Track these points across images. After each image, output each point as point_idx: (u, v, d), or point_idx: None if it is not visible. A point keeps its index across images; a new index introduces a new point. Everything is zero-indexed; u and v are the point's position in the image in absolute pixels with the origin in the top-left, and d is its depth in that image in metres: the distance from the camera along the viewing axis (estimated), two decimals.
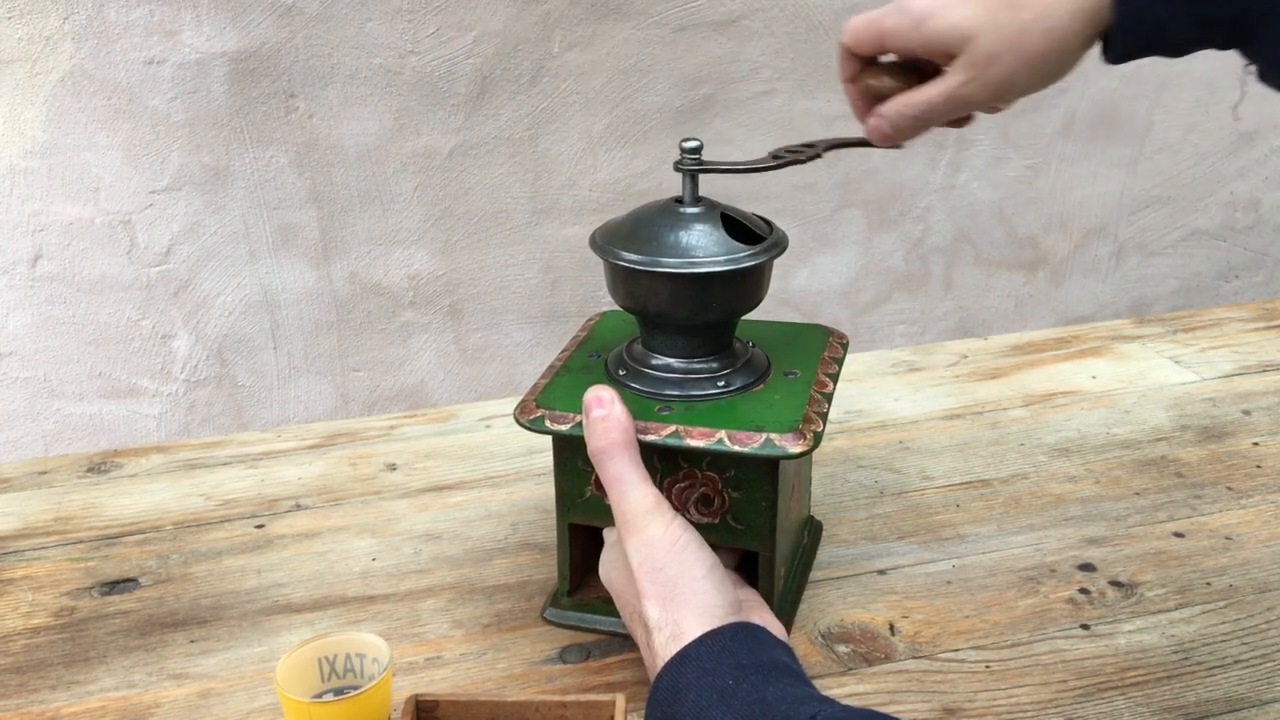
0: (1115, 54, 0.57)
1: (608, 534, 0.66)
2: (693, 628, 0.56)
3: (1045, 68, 0.58)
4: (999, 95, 0.59)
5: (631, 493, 0.60)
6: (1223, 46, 0.56)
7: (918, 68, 0.60)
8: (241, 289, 1.46)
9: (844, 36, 0.61)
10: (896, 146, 0.64)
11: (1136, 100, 1.71)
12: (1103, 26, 0.57)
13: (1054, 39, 0.56)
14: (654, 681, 0.55)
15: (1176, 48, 0.57)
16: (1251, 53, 0.55)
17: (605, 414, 0.61)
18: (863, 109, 0.63)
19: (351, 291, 1.50)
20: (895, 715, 0.48)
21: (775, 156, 0.66)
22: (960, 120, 0.63)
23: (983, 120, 1.65)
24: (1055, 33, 0.56)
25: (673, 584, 0.58)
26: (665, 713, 0.53)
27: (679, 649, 0.55)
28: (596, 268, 1.56)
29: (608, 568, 0.64)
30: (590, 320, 0.78)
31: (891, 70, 0.61)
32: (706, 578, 0.58)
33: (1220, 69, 1.73)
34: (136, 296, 1.43)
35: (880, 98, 0.61)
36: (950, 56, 0.57)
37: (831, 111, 1.56)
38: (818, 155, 0.66)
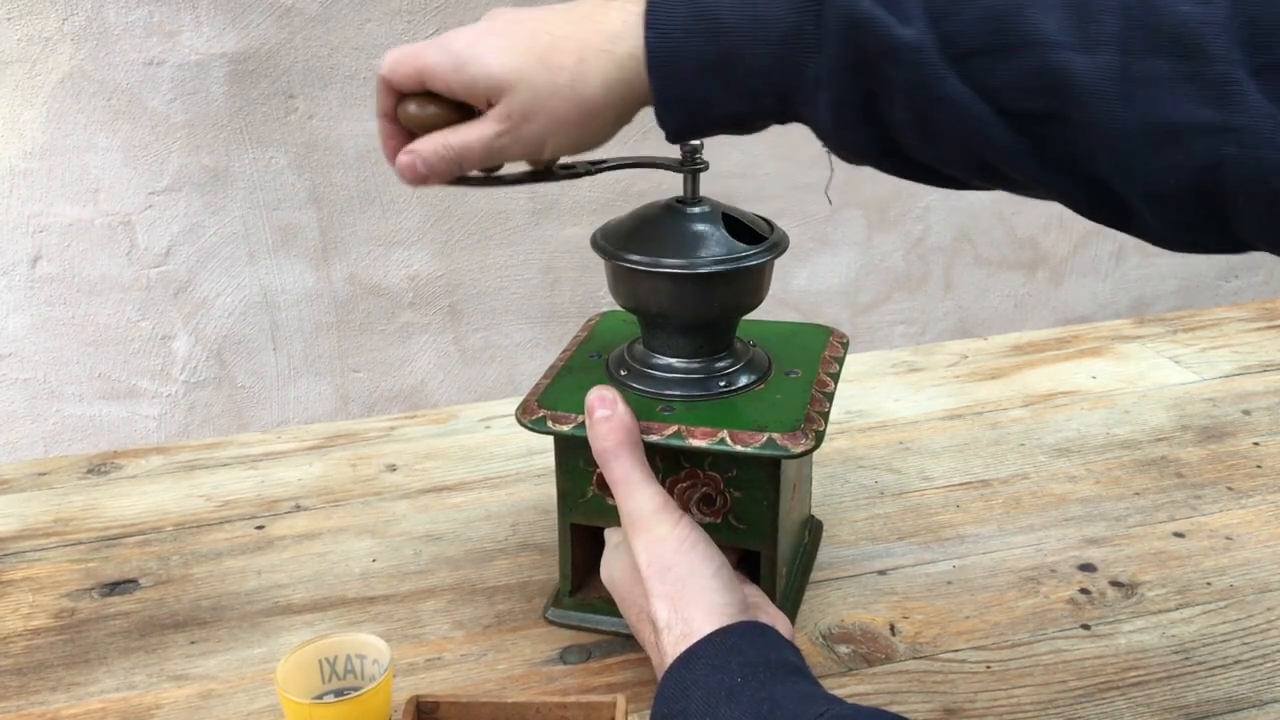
0: (669, 132, 0.55)
1: (610, 534, 0.66)
2: (702, 625, 0.56)
3: (579, 134, 0.56)
4: (533, 152, 0.57)
5: (638, 493, 0.60)
6: (780, 120, 0.54)
7: (463, 104, 0.57)
8: (241, 290, 1.46)
9: (382, 67, 0.57)
10: (425, 184, 0.60)
11: None
12: (644, 101, 0.55)
13: (585, 109, 0.55)
14: (662, 678, 0.55)
15: (733, 124, 0.55)
16: (811, 126, 0.54)
17: (609, 414, 0.61)
18: (394, 144, 0.59)
19: (351, 292, 1.50)
20: (902, 715, 0.48)
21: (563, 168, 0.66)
22: (492, 170, 0.60)
23: None
24: (586, 102, 0.54)
25: (681, 583, 0.58)
26: (672, 709, 0.53)
27: (688, 646, 0.55)
28: (597, 268, 1.56)
29: (611, 568, 0.64)
30: (590, 320, 0.78)
31: (437, 99, 0.57)
32: (715, 576, 0.58)
33: None
34: (136, 297, 1.43)
35: (422, 128, 0.57)
36: (490, 103, 0.55)
37: None
38: (590, 172, 0.66)
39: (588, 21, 0.55)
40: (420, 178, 0.58)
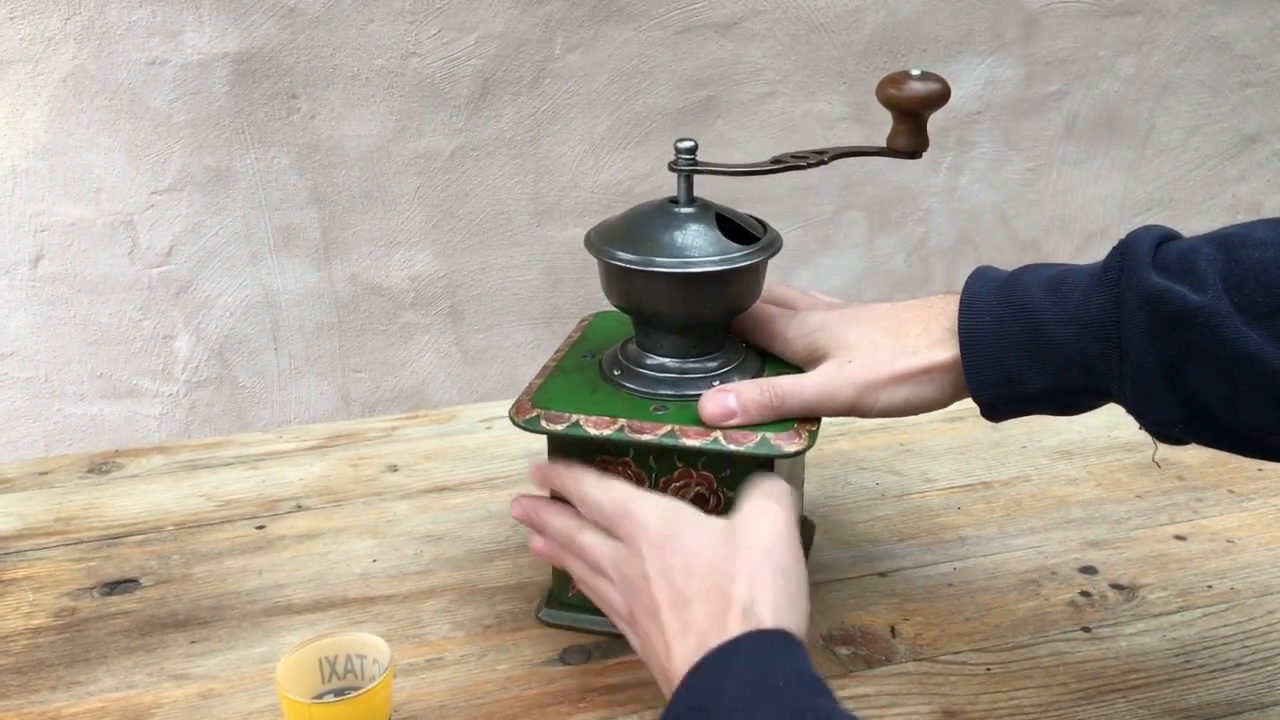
0: (983, 405, 0.62)
1: (754, 494, 0.61)
2: (764, 618, 0.52)
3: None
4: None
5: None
6: (1092, 396, 0.60)
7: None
8: (243, 290, 1.46)
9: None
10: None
11: (1138, 103, 1.71)
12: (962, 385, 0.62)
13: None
14: (699, 661, 0.51)
15: (1048, 401, 0.60)
16: (1120, 402, 0.58)
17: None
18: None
19: (353, 292, 1.50)
20: None
21: (777, 161, 0.66)
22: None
23: (984, 123, 1.66)
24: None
25: (782, 573, 0.54)
26: (699, 700, 0.50)
27: (747, 631, 0.51)
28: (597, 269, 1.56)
29: (707, 526, 0.58)
30: (584, 320, 0.78)
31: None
32: (805, 582, 0.56)
33: (1221, 71, 1.73)
34: (138, 297, 1.43)
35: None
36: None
37: (833, 114, 1.56)
38: (823, 161, 0.66)
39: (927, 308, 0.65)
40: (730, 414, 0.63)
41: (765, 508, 0.56)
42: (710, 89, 1.51)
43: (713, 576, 0.54)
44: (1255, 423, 0.55)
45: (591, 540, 0.60)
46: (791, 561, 0.54)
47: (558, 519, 0.63)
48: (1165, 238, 0.58)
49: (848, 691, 0.65)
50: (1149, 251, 0.56)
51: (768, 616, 0.51)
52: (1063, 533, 0.80)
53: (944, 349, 0.61)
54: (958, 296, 0.62)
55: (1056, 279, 0.59)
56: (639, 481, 0.66)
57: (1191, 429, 0.57)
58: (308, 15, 1.35)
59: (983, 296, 0.61)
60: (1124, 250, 0.57)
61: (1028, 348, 0.59)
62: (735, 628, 0.51)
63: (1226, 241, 0.55)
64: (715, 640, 0.51)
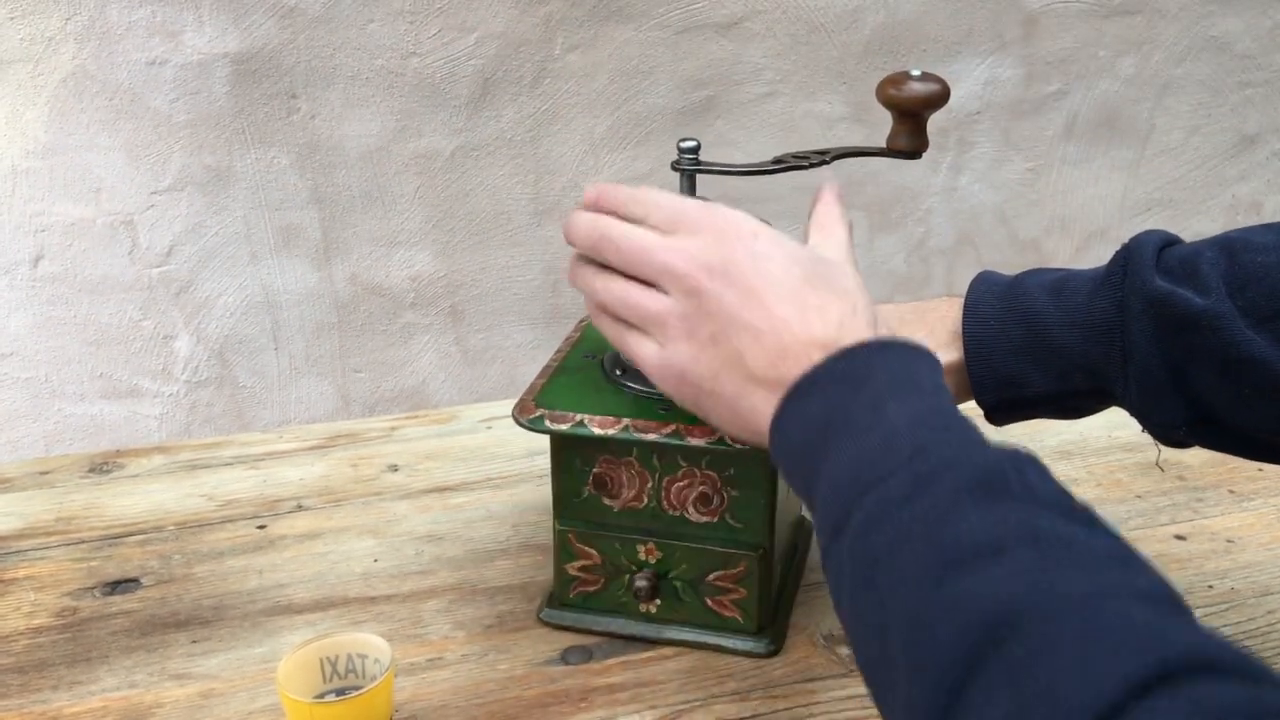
0: (986, 410, 0.62)
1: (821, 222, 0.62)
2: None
3: None
4: None
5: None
6: (1095, 399, 0.60)
7: None
8: (243, 290, 1.46)
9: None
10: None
11: (1138, 103, 1.71)
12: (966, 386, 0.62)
13: None
14: (851, 346, 0.50)
15: (1050, 404, 0.61)
16: (1124, 405, 0.59)
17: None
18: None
19: (353, 292, 1.50)
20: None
21: (779, 161, 0.66)
22: None
23: (984, 123, 1.66)
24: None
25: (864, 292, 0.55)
26: (852, 373, 0.49)
27: (881, 338, 0.51)
28: None
29: (791, 248, 0.56)
30: (582, 320, 0.78)
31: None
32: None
33: (1221, 71, 1.73)
34: (138, 297, 1.43)
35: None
36: None
37: (833, 114, 1.56)
38: (825, 162, 0.66)
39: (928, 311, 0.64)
40: None
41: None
42: (710, 89, 1.51)
43: (835, 276, 0.54)
44: (1259, 424, 0.55)
45: (659, 249, 0.55)
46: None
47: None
48: (1167, 242, 0.58)
49: (848, 691, 0.65)
50: (1152, 256, 0.56)
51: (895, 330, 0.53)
52: None
53: (947, 352, 0.62)
54: (960, 300, 0.62)
55: (1059, 283, 0.59)
56: (642, 481, 0.66)
57: (1195, 431, 0.57)
58: (308, 15, 1.35)
59: (986, 301, 0.61)
60: (1127, 255, 0.57)
61: (1031, 351, 0.59)
62: (870, 332, 0.52)
63: (1229, 246, 0.56)
64: (854, 334, 0.51)
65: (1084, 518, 0.41)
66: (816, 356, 0.50)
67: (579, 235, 0.58)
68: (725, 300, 0.53)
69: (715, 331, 0.53)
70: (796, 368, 0.50)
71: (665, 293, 0.55)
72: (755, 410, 0.52)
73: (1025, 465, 0.43)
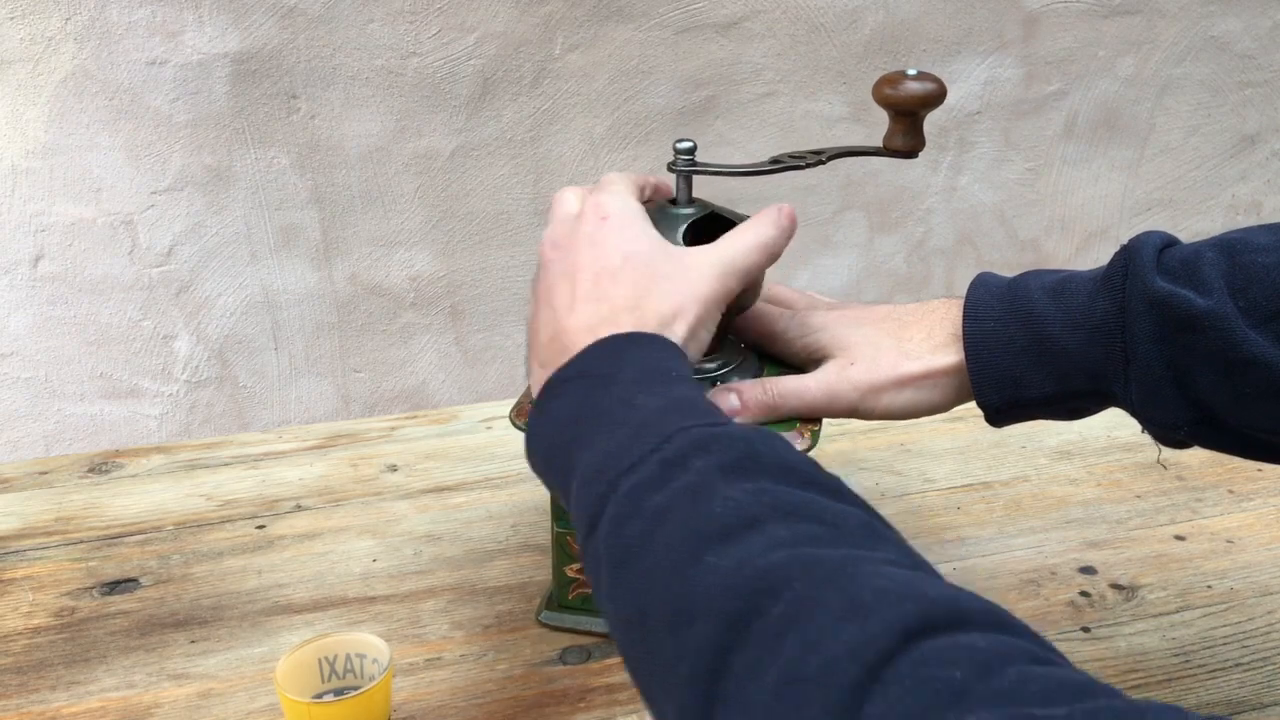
0: (987, 410, 0.62)
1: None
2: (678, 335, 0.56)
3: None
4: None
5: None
6: (1094, 400, 0.60)
7: None
8: (243, 290, 1.46)
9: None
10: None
11: (1138, 103, 1.71)
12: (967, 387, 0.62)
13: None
14: (607, 337, 0.53)
15: (1050, 406, 0.61)
16: (1125, 406, 0.59)
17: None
18: None
19: (352, 292, 1.50)
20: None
21: (776, 161, 0.66)
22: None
23: (984, 123, 1.66)
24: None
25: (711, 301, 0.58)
26: (596, 369, 0.52)
27: (648, 331, 0.54)
28: None
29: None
30: None
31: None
32: None
33: (1221, 71, 1.73)
34: (138, 297, 1.43)
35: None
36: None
37: (833, 114, 1.56)
38: (821, 162, 0.66)
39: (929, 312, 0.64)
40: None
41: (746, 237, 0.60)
42: (710, 89, 1.51)
43: (648, 274, 0.56)
44: (1260, 425, 0.55)
45: (567, 194, 0.61)
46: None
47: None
48: (1167, 243, 0.58)
49: None
50: (1153, 256, 0.56)
51: (679, 334, 0.55)
52: (1062, 533, 0.80)
53: (947, 354, 0.62)
54: (959, 301, 0.62)
55: (1059, 284, 0.59)
56: None
57: (1197, 432, 0.57)
58: (308, 15, 1.35)
59: (986, 302, 0.61)
60: (1127, 255, 0.57)
61: (1032, 353, 0.59)
62: (635, 328, 0.54)
63: (1229, 246, 0.56)
64: (627, 325, 0.53)
65: (833, 489, 0.43)
66: (581, 341, 0.53)
67: None
68: (549, 273, 0.57)
69: (536, 303, 0.58)
70: (562, 355, 0.53)
71: None
72: (535, 387, 0.55)
73: (773, 441, 0.44)
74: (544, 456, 0.52)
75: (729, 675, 0.36)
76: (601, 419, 0.48)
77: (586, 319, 0.54)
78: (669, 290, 0.55)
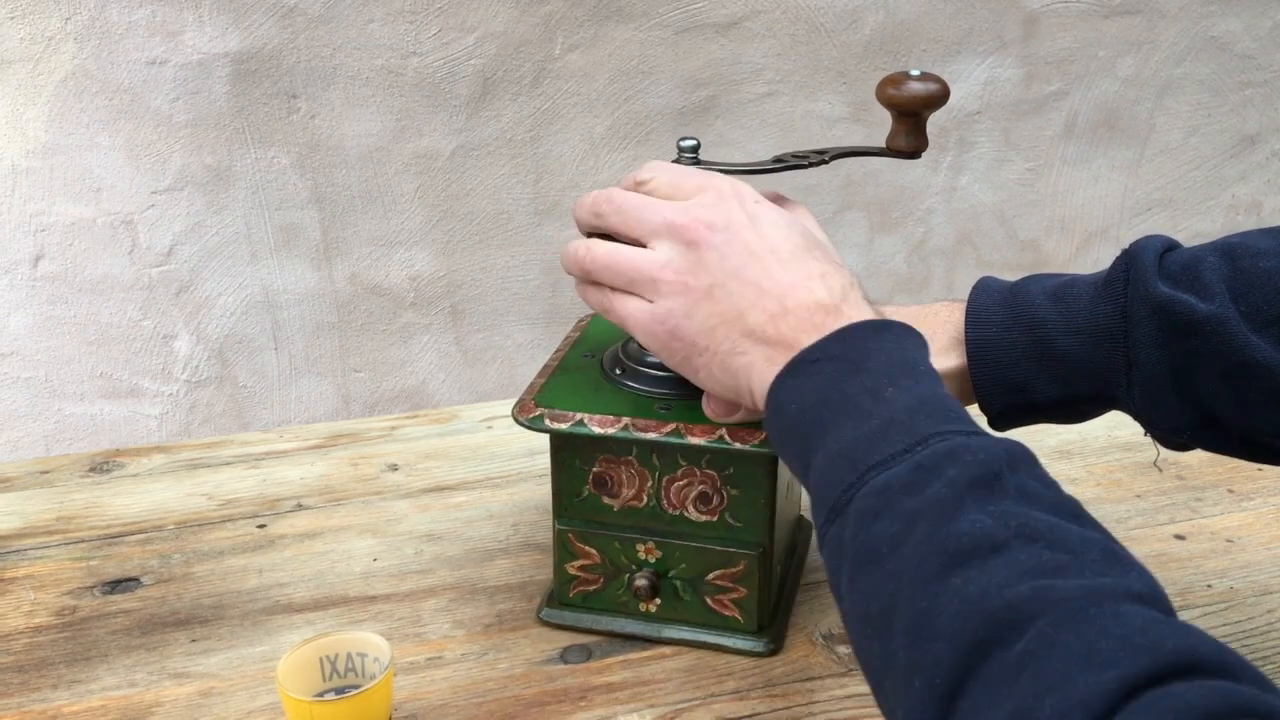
0: (991, 416, 0.62)
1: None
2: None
3: None
4: None
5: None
6: (1097, 403, 0.60)
7: None
8: (243, 289, 1.46)
9: None
10: None
11: (1138, 103, 1.71)
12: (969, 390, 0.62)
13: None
14: (852, 325, 0.52)
15: (1053, 410, 0.61)
16: (1128, 410, 0.59)
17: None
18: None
19: (353, 292, 1.50)
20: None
21: (779, 160, 0.66)
22: None
23: (984, 123, 1.66)
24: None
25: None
26: (848, 353, 0.51)
27: (884, 318, 0.53)
28: None
29: (784, 221, 0.57)
30: (581, 320, 0.78)
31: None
32: None
33: (1221, 71, 1.73)
34: (138, 297, 1.43)
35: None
36: None
37: (833, 114, 1.56)
38: (824, 161, 0.66)
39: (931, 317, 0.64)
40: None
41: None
42: (710, 89, 1.51)
43: (830, 250, 0.57)
44: (1262, 427, 0.55)
45: (660, 205, 0.57)
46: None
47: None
48: (1168, 247, 0.58)
49: (848, 690, 0.65)
50: (1154, 261, 0.56)
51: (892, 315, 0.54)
52: None
53: (949, 357, 0.62)
54: (961, 304, 0.62)
55: (1061, 289, 0.60)
56: (642, 480, 0.66)
57: (1199, 435, 0.57)
58: (308, 15, 1.35)
59: (988, 307, 0.61)
60: (1129, 260, 0.57)
61: (1035, 358, 0.59)
62: (868, 309, 0.54)
63: (1230, 251, 0.56)
64: (854, 304, 0.53)
65: (1073, 512, 0.43)
66: (819, 320, 0.52)
67: (583, 208, 0.61)
68: (726, 254, 0.54)
69: (713, 285, 0.55)
70: (800, 329, 0.52)
71: (657, 252, 0.57)
72: (751, 367, 0.54)
73: (1019, 459, 0.45)
74: (786, 430, 0.51)
75: (964, 698, 0.38)
76: (848, 405, 0.48)
77: (821, 296, 0.53)
78: (838, 262, 0.56)
